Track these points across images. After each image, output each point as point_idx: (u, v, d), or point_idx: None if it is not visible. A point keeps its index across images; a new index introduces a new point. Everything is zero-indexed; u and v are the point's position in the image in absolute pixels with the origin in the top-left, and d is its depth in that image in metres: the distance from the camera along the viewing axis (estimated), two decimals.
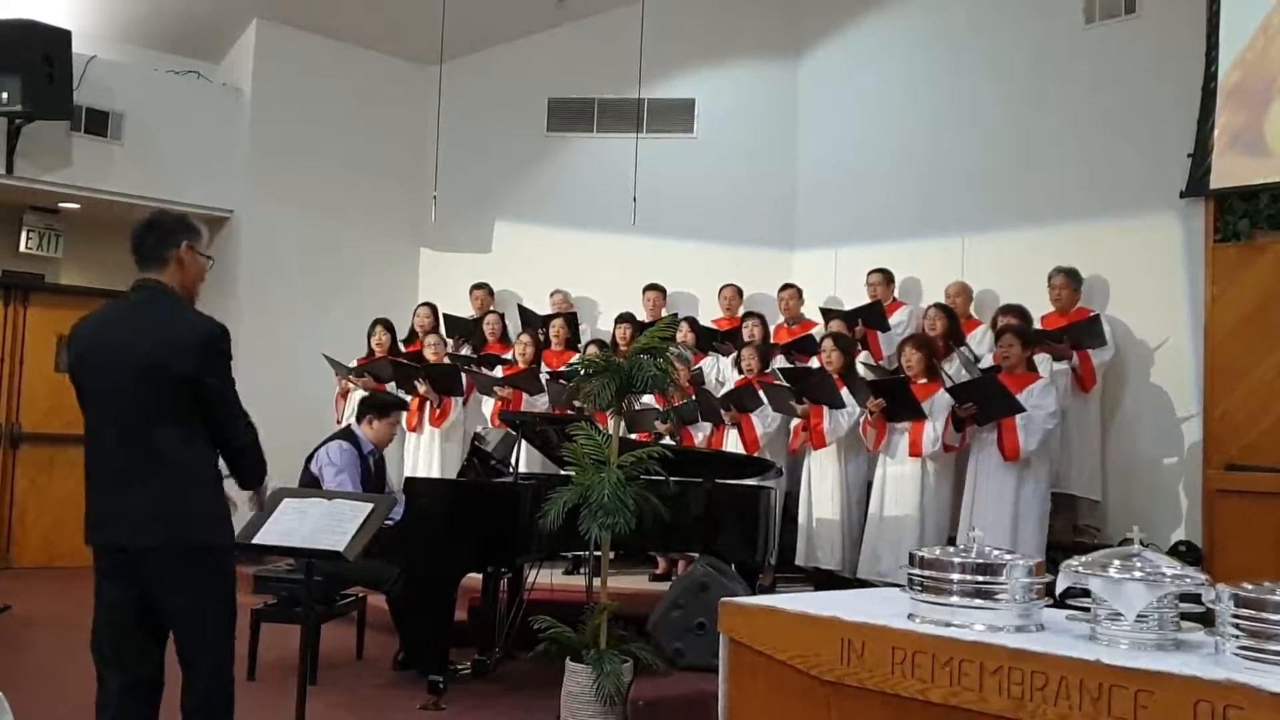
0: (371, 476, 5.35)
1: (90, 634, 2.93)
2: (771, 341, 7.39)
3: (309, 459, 5.26)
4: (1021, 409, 5.50)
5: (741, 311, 7.95)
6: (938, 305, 6.78)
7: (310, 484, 5.08)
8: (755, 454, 6.39)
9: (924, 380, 6.01)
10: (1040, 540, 5.62)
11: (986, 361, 6.46)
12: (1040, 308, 6.60)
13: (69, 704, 4.27)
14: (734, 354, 7.22)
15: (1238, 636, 1.92)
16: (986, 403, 5.58)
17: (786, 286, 7.81)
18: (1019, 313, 6.37)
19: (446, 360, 7.52)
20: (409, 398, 7.25)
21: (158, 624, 2.91)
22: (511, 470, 5.36)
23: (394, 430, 5.61)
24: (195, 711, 2.91)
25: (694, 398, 6.77)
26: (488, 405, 7.42)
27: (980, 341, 6.80)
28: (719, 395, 6.80)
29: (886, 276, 7.44)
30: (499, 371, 7.45)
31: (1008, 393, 5.52)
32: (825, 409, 6.28)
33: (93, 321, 3.00)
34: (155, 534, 2.80)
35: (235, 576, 3.01)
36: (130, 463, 2.83)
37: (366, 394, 6.30)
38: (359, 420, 5.47)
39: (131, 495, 2.82)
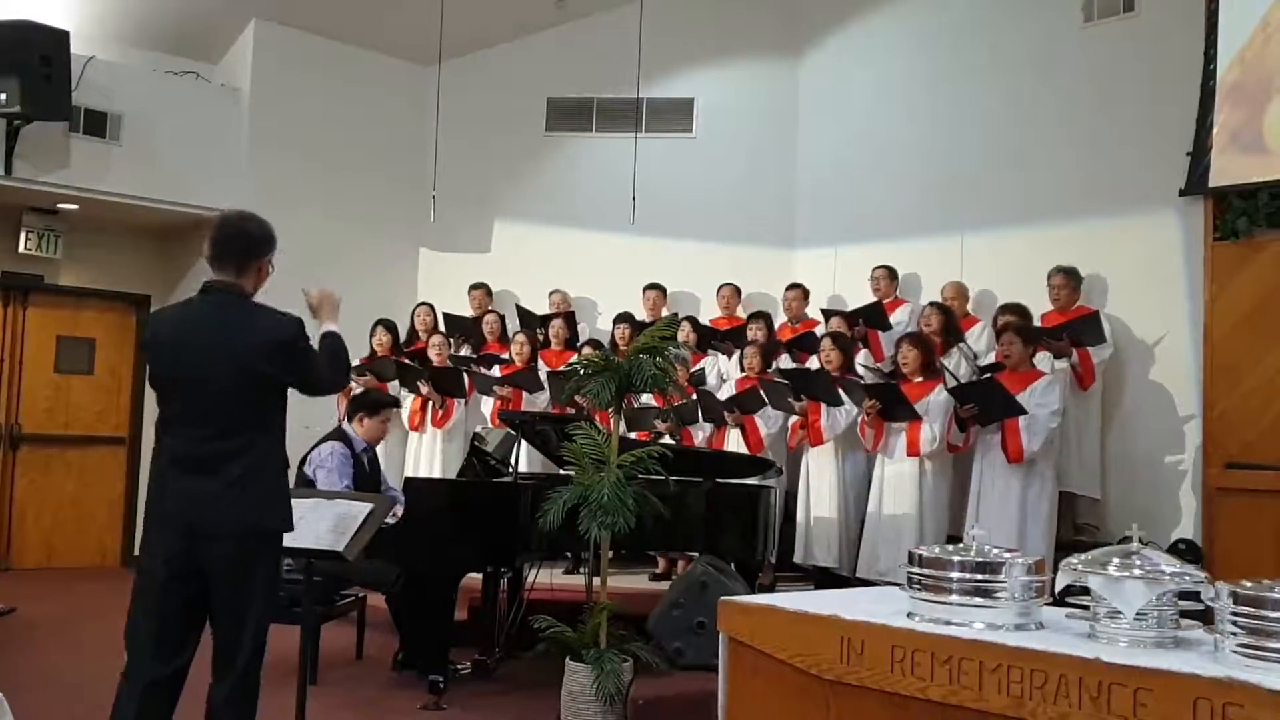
0: (366, 474, 5.35)
1: (127, 623, 2.95)
2: (775, 340, 7.40)
3: (303, 461, 5.26)
4: (1023, 411, 5.50)
5: (741, 310, 7.96)
6: (933, 304, 6.79)
7: (305, 485, 5.07)
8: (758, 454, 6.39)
9: (920, 378, 6.01)
10: (1048, 540, 5.60)
11: (986, 359, 6.47)
12: (1040, 306, 6.60)
13: (69, 705, 4.27)
14: (735, 353, 7.22)
15: (1237, 634, 1.91)
16: (988, 404, 5.58)
17: (793, 286, 7.82)
18: (1019, 311, 6.37)
19: (449, 361, 7.51)
20: (411, 397, 7.25)
21: (202, 615, 2.95)
22: (511, 470, 5.36)
23: (385, 427, 5.60)
24: (225, 702, 2.93)
25: (694, 397, 6.78)
26: (487, 405, 7.42)
27: (979, 339, 6.81)
28: (721, 395, 6.80)
29: (891, 273, 7.45)
30: (497, 371, 7.45)
31: (1009, 395, 5.51)
32: (823, 406, 6.28)
33: (173, 319, 3.12)
34: (231, 520, 2.91)
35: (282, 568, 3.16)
36: (212, 454, 2.93)
37: (357, 392, 6.29)
38: (350, 419, 5.46)
39: (211, 484, 2.91)
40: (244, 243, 3.10)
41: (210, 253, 3.08)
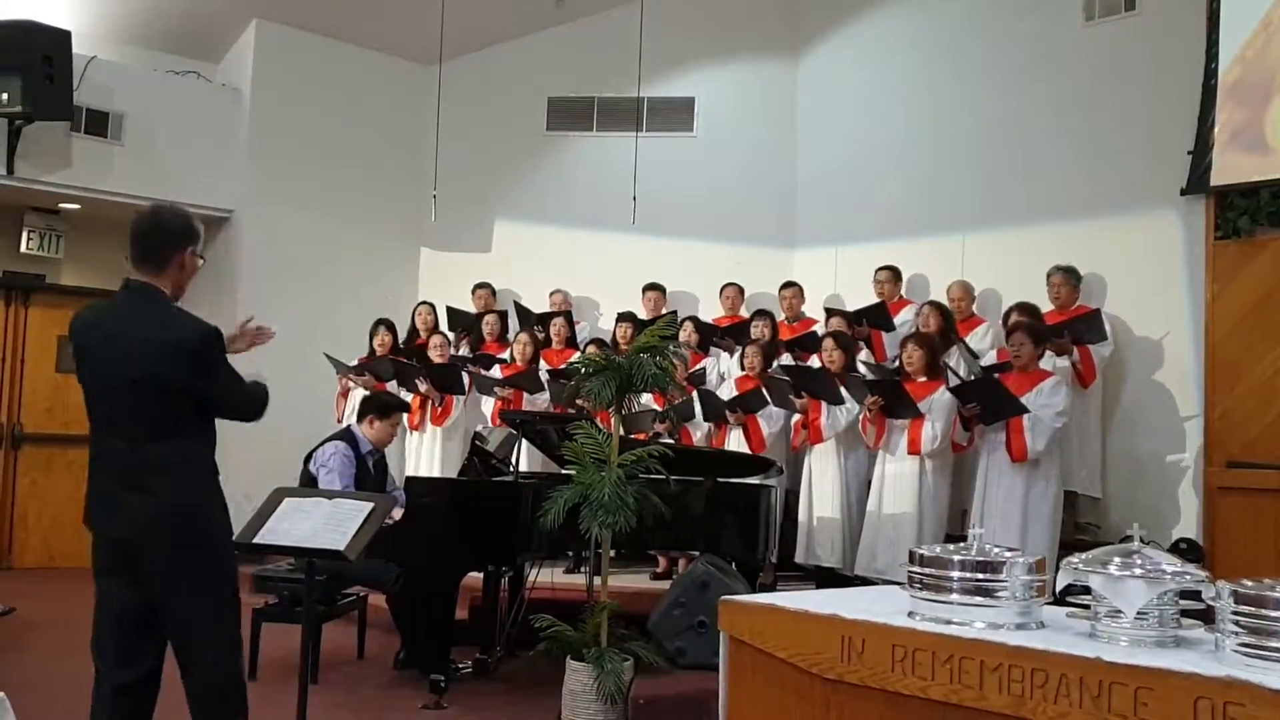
0: (371, 477, 5.34)
1: (91, 631, 2.94)
2: (776, 339, 7.39)
3: (308, 458, 5.26)
4: (1025, 410, 5.49)
5: (745, 310, 7.95)
6: (932, 303, 6.79)
7: (309, 483, 5.07)
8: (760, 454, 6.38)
9: (924, 378, 6.01)
10: (1052, 540, 5.58)
11: (988, 359, 6.47)
12: (1041, 306, 6.59)
13: (69, 705, 4.27)
14: (736, 351, 7.22)
15: (1238, 633, 1.91)
16: (990, 404, 5.57)
17: (788, 285, 7.82)
18: (1031, 311, 6.36)
19: (449, 360, 7.51)
20: (410, 396, 7.24)
21: (158, 623, 2.91)
22: (512, 469, 5.36)
23: (394, 431, 5.59)
24: (198, 705, 2.91)
25: (694, 396, 6.77)
26: (488, 404, 7.42)
27: (983, 339, 6.81)
28: (722, 394, 6.79)
29: (894, 274, 7.45)
30: (497, 370, 7.45)
31: (1010, 394, 5.50)
32: (824, 405, 6.28)
33: (86, 320, 3.00)
34: (155, 533, 2.83)
35: (235, 569, 3.02)
36: (137, 463, 2.85)
37: (369, 394, 6.29)
38: (360, 420, 5.46)
39: (133, 496, 2.84)
40: (158, 237, 2.93)
41: (129, 251, 2.94)
